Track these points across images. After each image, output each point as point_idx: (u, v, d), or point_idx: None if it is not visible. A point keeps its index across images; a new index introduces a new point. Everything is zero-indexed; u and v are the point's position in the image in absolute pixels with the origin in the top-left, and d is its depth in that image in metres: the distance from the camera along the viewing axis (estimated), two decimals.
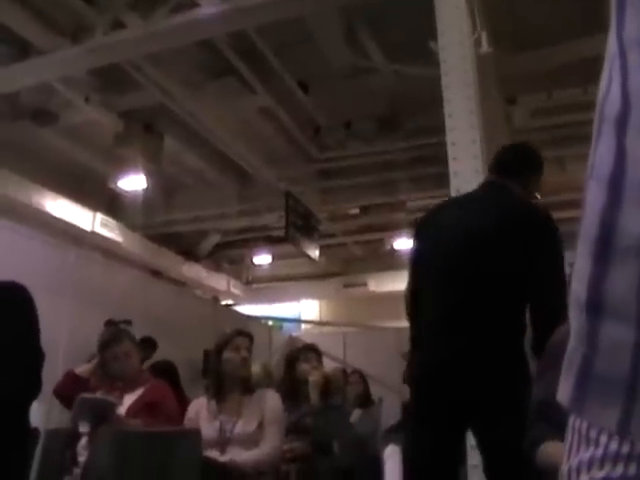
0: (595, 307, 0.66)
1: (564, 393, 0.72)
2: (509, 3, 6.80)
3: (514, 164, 3.22)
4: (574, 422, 0.86)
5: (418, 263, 3.05)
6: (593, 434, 0.77)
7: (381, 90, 8.98)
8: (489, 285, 2.79)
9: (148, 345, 6.55)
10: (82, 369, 4.12)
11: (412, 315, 3.02)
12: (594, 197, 0.67)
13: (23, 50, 7.24)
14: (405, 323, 3.08)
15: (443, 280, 2.88)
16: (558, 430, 1.93)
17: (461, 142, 5.31)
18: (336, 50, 8.03)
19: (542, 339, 2.47)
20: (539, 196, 3.39)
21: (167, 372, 5.44)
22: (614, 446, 0.73)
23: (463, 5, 5.81)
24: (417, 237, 3.15)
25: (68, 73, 7.86)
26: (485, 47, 6.05)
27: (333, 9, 7.25)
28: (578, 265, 0.70)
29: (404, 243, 13.84)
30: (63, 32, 7.03)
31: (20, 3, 6.57)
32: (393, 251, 14.54)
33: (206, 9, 6.57)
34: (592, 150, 0.69)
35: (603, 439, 0.77)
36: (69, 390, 3.69)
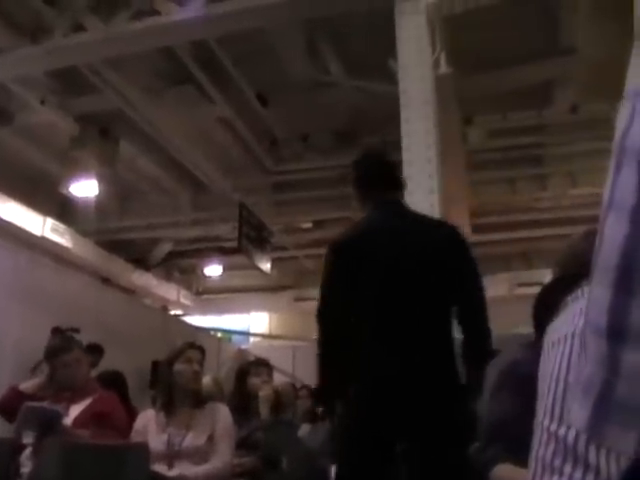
0: (617, 334, 0.66)
1: (579, 417, 0.72)
2: (468, 25, 6.89)
3: (400, 179, 3.31)
4: (537, 450, 0.86)
5: (354, 288, 2.96)
6: (557, 463, 0.77)
7: (340, 105, 9.01)
8: (435, 306, 2.93)
9: (95, 351, 6.47)
10: (26, 385, 4.03)
11: (337, 335, 2.97)
12: (614, 227, 0.67)
13: None
14: None
15: (394, 304, 2.89)
16: (512, 451, 1.94)
17: (416, 161, 5.38)
18: (296, 63, 8.05)
19: (484, 345, 2.89)
20: None
21: (115, 383, 5.34)
22: (578, 475, 0.73)
23: (424, 25, 5.88)
24: (347, 261, 3.01)
25: (26, 73, 7.76)
26: (444, 67, 6.12)
27: (295, 22, 7.27)
28: (595, 293, 0.70)
29: None
30: (22, 31, 6.94)
31: None
32: None
33: (167, 17, 6.54)
34: (610, 182, 0.69)
35: (567, 468, 0.77)
36: (12, 405, 3.59)
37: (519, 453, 1.22)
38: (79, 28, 6.83)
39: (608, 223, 0.68)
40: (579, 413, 0.72)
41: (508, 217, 11.98)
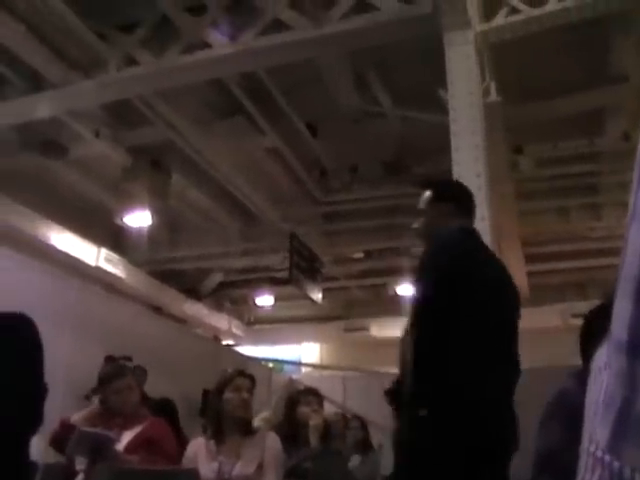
0: (636, 348, 0.64)
1: (602, 436, 0.70)
2: (518, 55, 6.88)
3: None
4: (583, 477, 0.83)
5: (473, 313, 2.78)
6: None
7: (388, 135, 9.04)
8: (511, 341, 2.92)
9: (139, 372, 6.56)
10: (77, 417, 4.06)
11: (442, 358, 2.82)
12: (635, 238, 0.66)
13: (36, 82, 7.31)
14: None
15: (508, 334, 2.88)
16: None
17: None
18: (345, 94, 8.10)
19: None
20: None
21: (166, 410, 5.39)
22: None
23: (473, 55, 5.89)
24: (468, 284, 2.81)
25: (80, 106, 7.93)
26: (494, 96, 6.12)
27: (343, 53, 7.34)
28: (617, 306, 0.68)
29: (407, 289, 13.78)
30: (76, 66, 7.09)
31: (36, 37, 6.64)
32: (396, 296, 14.47)
33: (217, 50, 6.65)
34: (633, 193, 0.68)
35: None
36: (65, 438, 3.62)
37: None
38: (131, 62, 6.98)
39: (631, 234, 0.67)
40: (601, 432, 0.69)
41: (562, 247, 11.84)
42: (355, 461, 6.08)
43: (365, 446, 6.59)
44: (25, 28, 6.44)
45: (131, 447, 3.64)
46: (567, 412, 2.10)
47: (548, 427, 2.29)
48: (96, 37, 6.95)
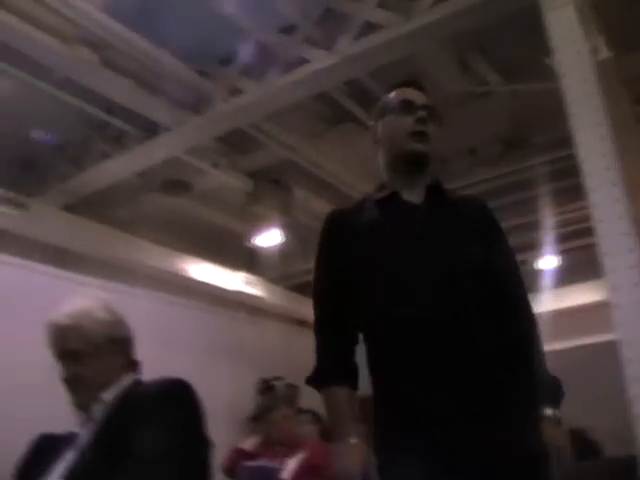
0: None
1: None
2: (620, 5, 6.56)
3: None
4: None
5: None
6: None
7: (501, 112, 8.82)
8: None
9: (291, 389, 6.64)
10: (248, 443, 4.18)
11: None
12: None
13: (150, 129, 7.58)
14: None
15: None
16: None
17: (591, 156, 5.13)
18: (450, 80, 7.97)
19: None
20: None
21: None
22: None
23: (574, 16, 5.66)
24: None
25: (195, 144, 8.15)
26: (604, 52, 5.86)
27: (441, 41, 7.22)
28: None
29: (549, 262, 13.28)
30: (184, 106, 7.30)
31: (143, 87, 6.89)
32: (538, 271, 14.01)
33: (316, 64, 6.67)
34: None
35: None
36: (237, 465, 3.72)
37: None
38: (236, 92, 7.12)
39: None
40: None
41: None
42: None
43: None
44: (131, 81, 6.70)
45: (297, 475, 3.71)
46: None
47: None
48: (198, 75, 7.13)
